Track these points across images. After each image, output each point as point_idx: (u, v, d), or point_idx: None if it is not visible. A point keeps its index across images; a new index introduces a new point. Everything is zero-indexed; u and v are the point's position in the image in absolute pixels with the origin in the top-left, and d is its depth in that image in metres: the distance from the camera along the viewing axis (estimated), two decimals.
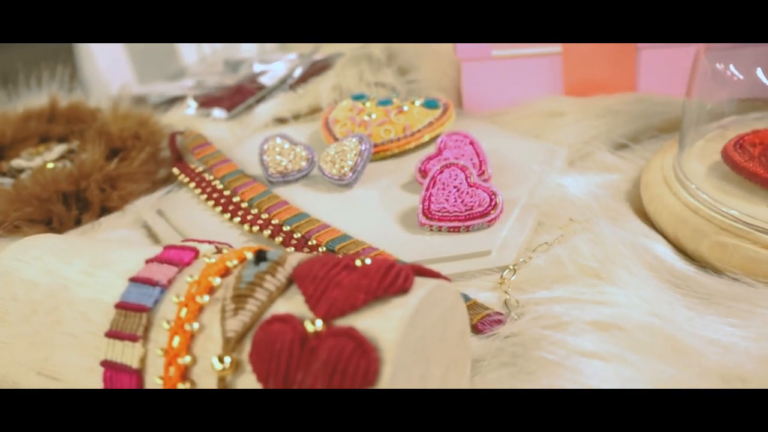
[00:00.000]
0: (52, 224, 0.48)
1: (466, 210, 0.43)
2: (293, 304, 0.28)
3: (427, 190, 0.44)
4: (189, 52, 0.98)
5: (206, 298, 0.29)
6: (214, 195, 0.50)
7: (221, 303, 0.29)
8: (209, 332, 0.28)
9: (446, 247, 0.42)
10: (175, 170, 0.56)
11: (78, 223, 0.49)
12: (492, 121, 0.59)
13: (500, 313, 0.36)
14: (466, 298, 0.38)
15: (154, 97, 0.76)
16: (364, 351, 0.25)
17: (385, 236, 0.44)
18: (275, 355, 0.26)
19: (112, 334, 0.30)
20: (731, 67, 0.43)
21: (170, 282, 0.31)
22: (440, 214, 0.43)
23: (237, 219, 0.47)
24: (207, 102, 0.70)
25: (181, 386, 0.28)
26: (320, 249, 0.42)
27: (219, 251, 0.34)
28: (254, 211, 0.47)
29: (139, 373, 0.29)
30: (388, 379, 0.25)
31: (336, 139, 0.55)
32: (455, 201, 0.43)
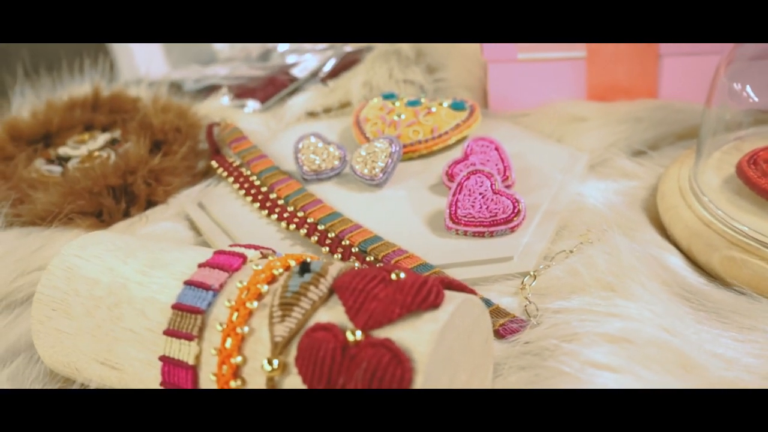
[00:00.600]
0: (102, 216, 0.51)
1: (490, 216, 0.46)
2: (334, 314, 0.31)
3: (454, 195, 0.47)
4: None
5: (255, 304, 0.32)
6: (252, 191, 0.53)
7: (269, 309, 0.32)
8: (258, 335, 0.32)
9: (471, 251, 0.45)
10: (214, 163, 0.59)
11: (126, 215, 0.52)
12: (516, 122, 0.61)
13: (521, 320, 0.39)
14: (488, 303, 0.41)
15: (189, 83, 0.79)
16: (400, 361, 0.28)
17: (413, 238, 0.47)
18: (319, 361, 0.29)
19: (170, 333, 0.33)
20: (748, 88, 0.45)
21: (222, 286, 0.34)
22: (466, 219, 0.46)
23: (274, 216, 0.50)
24: (241, 93, 0.72)
25: (233, 384, 0.31)
26: (353, 249, 0.45)
27: (264, 256, 0.37)
28: (290, 208, 0.50)
29: (194, 369, 0.33)
30: (420, 386, 0.28)
31: (367, 138, 0.57)
32: (480, 207, 0.46)
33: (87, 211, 0.50)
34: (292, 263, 0.35)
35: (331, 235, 0.47)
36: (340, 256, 0.45)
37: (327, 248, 0.46)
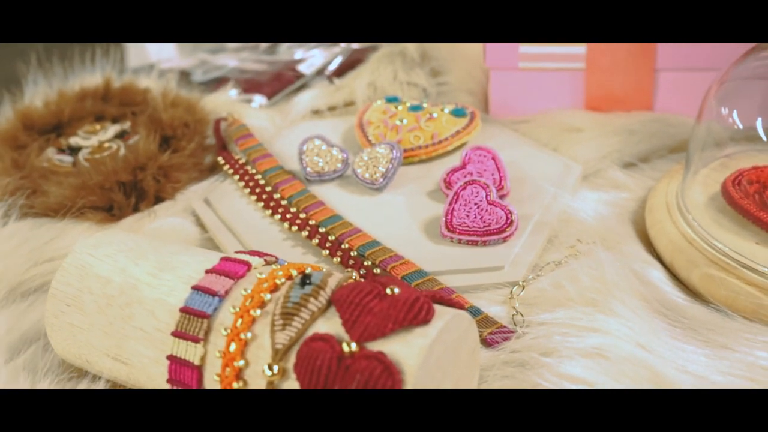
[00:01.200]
0: (112, 211, 0.53)
1: (484, 226, 0.48)
2: (332, 325, 0.33)
3: (450, 204, 0.49)
4: None
5: (258, 311, 0.35)
6: (257, 190, 0.55)
7: (271, 317, 0.34)
8: (260, 341, 0.34)
9: (464, 259, 0.47)
10: (220, 159, 0.61)
11: (135, 210, 0.54)
12: (515, 128, 0.63)
13: (508, 329, 0.41)
14: (477, 311, 0.43)
15: (197, 74, 0.81)
16: (391, 373, 0.30)
17: (410, 243, 0.49)
18: (316, 369, 0.31)
19: (178, 334, 0.36)
20: (734, 113, 0.47)
21: (227, 293, 0.36)
22: (461, 228, 0.48)
23: (277, 216, 0.52)
24: (248, 88, 0.74)
25: (235, 385, 0.34)
26: (352, 253, 0.48)
27: (268, 264, 0.39)
28: (293, 209, 0.53)
29: (199, 369, 0.35)
30: None
31: (369, 141, 0.59)
32: (475, 217, 0.48)
33: (98, 205, 0.53)
34: (294, 272, 0.37)
35: (332, 238, 0.49)
36: (339, 259, 0.48)
37: (327, 251, 0.48)
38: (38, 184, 0.56)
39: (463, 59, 0.69)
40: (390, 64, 0.70)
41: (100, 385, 0.40)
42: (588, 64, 0.62)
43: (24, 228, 0.52)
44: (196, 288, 0.36)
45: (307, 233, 0.50)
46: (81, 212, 0.52)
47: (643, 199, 0.54)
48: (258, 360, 0.34)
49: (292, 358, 0.33)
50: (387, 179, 0.54)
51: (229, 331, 0.35)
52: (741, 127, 0.47)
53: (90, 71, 0.74)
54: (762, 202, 0.47)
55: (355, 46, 0.79)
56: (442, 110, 0.61)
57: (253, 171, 0.58)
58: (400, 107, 0.61)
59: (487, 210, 0.49)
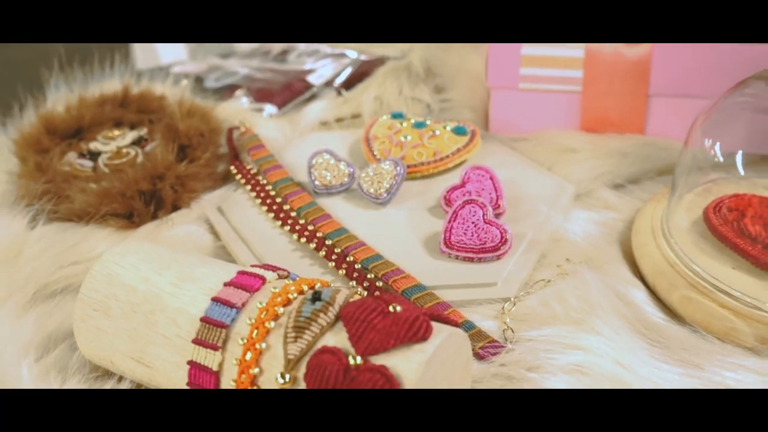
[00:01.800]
0: (132, 218, 0.57)
1: (480, 244, 0.51)
2: (339, 339, 0.37)
3: (449, 222, 0.53)
4: None
5: (272, 324, 0.38)
6: (267, 201, 0.59)
7: (284, 329, 0.38)
8: (274, 351, 0.37)
9: (460, 274, 0.51)
10: (233, 169, 0.64)
11: (154, 217, 0.58)
12: (513, 146, 0.67)
13: (498, 344, 0.45)
14: (471, 325, 0.46)
15: (210, 80, 0.84)
16: (392, 386, 0.34)
17: (410, 257, 0.52)
18: (325, 379, 0.35)
19: (198, 342, 0.39)
20: (716, 147, 0.50)
21: (244, 305, 0.40)
22: (458, 245, 0.52)
23: (287, 227, 0.56)
24: (260, 97, 0.77)
25: None
26: (356, 266, 0.51)
27: (281, 278, 0.43)
28: (302, 221, 0.56)
29: (217, 375, 0.39)
30: None
31: (374, 156, 0.63)
32: (472, 235, 0.52)
33: (119, 212, 0.56)
34: (305, 288, 0.40)
35: (338, 250, 0.53)
36: (344, 271, 0.51)
37: (333, 263, 0.52)
38: (62, 189, 0.60)
39: (466, 76, 0.73)
40: (396, 80, 0.74)
41: (125, 386, 0.43)
42: (585, 88, 0.65)
43: (50, 232, 0.55)
44: (216, 299, 0.40)
45: (314, 245, 0.53)
46: (103, 218, 0.56)
47: (631, 220, 0.58)
48: (271, 368, 0.37)
49: (302, 368, 0.36)
50: (391, 195, 0.58)
51: (245, 340, 0.38)
52: (722, 160, 0.50)
53: (109, 76, 0.77)
54: (740, 229, 0.50)
55: (363, 57, 0.83)
56: (445, 128, 0.64)
57: (264, 181, 0.61)
58: (404, 123, 0.65)
59: (483, 229, 0.52)
